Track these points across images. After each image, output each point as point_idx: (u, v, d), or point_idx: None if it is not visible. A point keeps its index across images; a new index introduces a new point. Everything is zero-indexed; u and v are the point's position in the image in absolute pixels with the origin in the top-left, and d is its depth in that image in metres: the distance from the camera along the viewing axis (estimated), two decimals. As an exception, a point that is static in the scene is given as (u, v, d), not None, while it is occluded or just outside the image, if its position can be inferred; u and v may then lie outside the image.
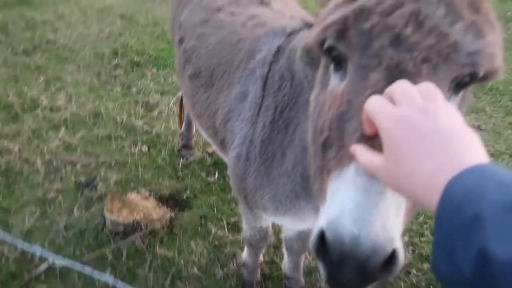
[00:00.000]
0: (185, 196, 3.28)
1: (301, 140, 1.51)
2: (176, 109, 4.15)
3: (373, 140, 0.81)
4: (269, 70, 1.70)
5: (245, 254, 2.59)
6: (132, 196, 3.08)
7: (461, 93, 0.95)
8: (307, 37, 1.39)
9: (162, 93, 4.48)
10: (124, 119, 4.02)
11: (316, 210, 1.66)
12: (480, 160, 0.68)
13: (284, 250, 2.58)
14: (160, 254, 2.79)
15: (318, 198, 1.01)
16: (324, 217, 0.81)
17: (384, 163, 0.75)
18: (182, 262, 2.76)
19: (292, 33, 1.72)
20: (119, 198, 3.02)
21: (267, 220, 2.03)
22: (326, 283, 0.82)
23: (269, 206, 1.78)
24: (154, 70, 4.86)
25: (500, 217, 0.58)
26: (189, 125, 3.56)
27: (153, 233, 2.91)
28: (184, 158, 3.61)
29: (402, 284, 2.66)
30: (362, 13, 0.88)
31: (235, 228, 3.04)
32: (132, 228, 2.86)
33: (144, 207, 3.00)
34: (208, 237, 2.94)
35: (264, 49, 1.78)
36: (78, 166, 3.44)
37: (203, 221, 3.07)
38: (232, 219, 3.09)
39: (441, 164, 0.68)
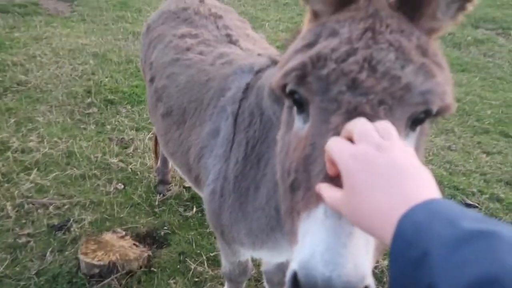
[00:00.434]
0: (162, 233, 3.23)
1: (273, 175, 1.55)
2: (151, 144, 4.14)
3: (336, 180, 0.85)
4: (239, 107, 1.75)
5: (225, 290, 2.56)
6: (108, 236, 3.01)
7: (418, 129, 1.02)
8: (273, 75, 1.46)
9: (137, 130, 4.47)
10: (99, 157, 3.97)
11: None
12: (431, 196, 0.72)
13: (265, 284, 2.56)
14: (138, 295, 2.71)
15: (290, 238, 1.03)
16: (296, 259, 0.83)
17: (345, 197, 0.79)
18: (161, 302, 2.69)
19: (259, 71, 1.79)
20: (94, 239, 2.95)
21: (245, 254, 2.03)
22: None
23: (245, 241, 1.79)
24: (129, 107, 4.86)
25: (445, 254, 0.61)
26: (165, 160, 3.55)
27: (130, 273, 2.84)
28: (161, 194, 3.58)
29: (383, 310, 2.66)
30: (319, 60, 0.94)
31: (215, 262, 3.00)
32: (108, 269, 2.79)
33: (120, 247, 2.94)
34: (187, 274, 2.89)
35: (233, 87, 1.84)
36: (50, 209, 3.36)
37: (182, 257, 3.03)
38: (212, 254, 3.06)
39: (394, 200, 0.72)
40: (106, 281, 2.74)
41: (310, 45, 1.00)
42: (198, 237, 3.21)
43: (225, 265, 2.26)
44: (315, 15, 1.10)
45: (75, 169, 3.80)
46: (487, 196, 3.76)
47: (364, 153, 0.79)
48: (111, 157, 3.98)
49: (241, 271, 2.24)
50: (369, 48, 0.93)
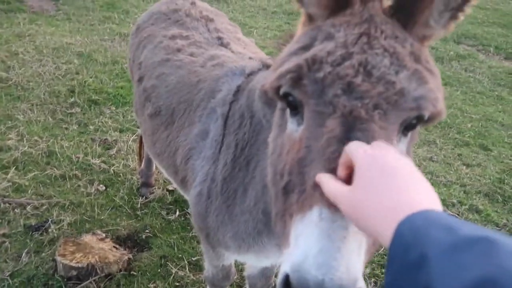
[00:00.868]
0: (144, 236, 3.17)
1: (262, 177, 1.54)
2: (136, 146, 4.08)
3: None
4: (230, 109, 1.74)
5: (207, 295, 2.52)
6: (87, 238, 2.94)
7: (409, 134, 1.03)
8: (265, 78, 1.46)
9: (121, 131, 4.40)
10: (80, 158, 3.89)
11: (279, 246, 1.67)
12: (432, 204, 0.75)
13: (247, 289, 2.53)
14: (117, 300, 2.65)
15: (281, 240, 1.03)
16: (289, 262, 0.83)
17: (351, 192, 0.80)
18: (140, 306, 2.63)
19: (251, 74, 1.79)
20: (73, 241, 2.87)
21: (230, 258, 2.01)
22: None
23: (231, 244, 1.77)
24: (113, 108, 4.79)
25: (443, 257, 0.63)
26: (149, 162, 3.50)
27: (109, 276, 2.78)
28: (144, 197, 3.53)
29: (365, 318, 2.67)
30: (315, 63, 0.95)
31: (197, 267, 2.96)
32: (87, 272, 2.72)
33: (100, 249, 2.87)
34: (168, 278, 2.84)
35: (224, 89, 1.83)
36: (28, 209, 3.26)
37: (163, 261, 2.98)
38: (194, 258, 3.02)
39: (399, 203, 0.74)
40: (84, 283, 2.67)
41: (305, 48, 1.01)
42: (180, 241, 3.17)
43: (208, 269, 2.23)
44: (310, 18, 1.11)
45: (55, 169, 3.71)
46: (467, 207, 3.84)
47: (382, 155, 0.82)
48: (93, 158, 3.91)
49: (224, 276, 2.22)
50: (365, 53, 0.94)
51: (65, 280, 2.70)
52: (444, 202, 3.88)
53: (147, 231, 3.22)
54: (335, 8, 1.05)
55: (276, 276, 2.67)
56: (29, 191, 3.42)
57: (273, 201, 1.11)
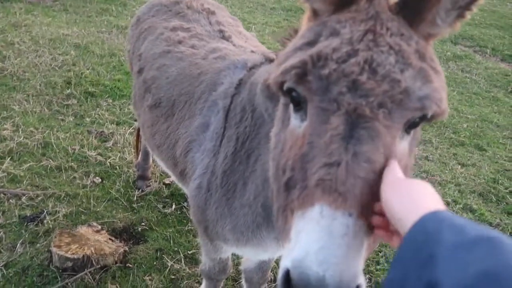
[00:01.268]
0: (140, 229, 3.16)
1: (262, 171, 1.54)
2: (132, 139, 4.06)
3: (336, 181, 0.87)
4: (231, 102, 1.74)
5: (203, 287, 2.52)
6: (83, 229, 2.93)
7: (412, 132, 1.03)
8: (267, 72, 1.45)
9: (118, 124, 4.38)
10: (76, 149, 3.86)
11: (278, 240, 1.67)
12: (438, 206, 0.81)
13: (243, 282, 2.54)
14: (112, 291, 2.64)
15: (281, 235, 1.03)
16: (290, 257, 0.84)
17: (404, 179, 0.90)
18: (136, 299, 2.63)
19: (253, 67, 1.79)
20: (68, 232, 2.86)
21: (228, 251, 2.01)
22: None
23: (230, 237, 1.77)
24: (110, 100, 4.76)
25: (451, 254, 0.67)
26: (146, 155, 3.49)
27: (104, 268, 2.77)
28: (140, 190, 3.52)
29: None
30: (320, 59, 0.94)
31: (193, 260, 2.96)
32: (82, 263, 2.71)
33: (96, 241, 2.86)
34: (164, 271, 2.84)
35: (225, 81, 1.83)
36: (23, 199, 3.24)
37: (158, 254, 2.97)
38: (190, 252, 3.02)
39: (415, 204, 0.81)
40: (79, 275, 2.65)
41: (310, 43, 1.00)
42: (176, 234, 3.16)
43: (205, 262, 2.23)
44: (315, 13, 1.10)
45: (50, 160, 3.69)
46: (461, 206, 3.87)
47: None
48: (89, 150, 3.88)
49: (221, 269, 2.22)
50: (370, 50, 0.94)
51: (60, 271, 2.68)
52: (438, 200, 3.90)
53: (143, 224, 3.21)
54: (340, 3, 1.04)
55: (272, 270, 2.68)
56: (25, 182, 3.40)
57: (275, 196, 1.11)
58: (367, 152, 0.89)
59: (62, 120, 4.31)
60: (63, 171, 3.59)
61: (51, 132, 4.03)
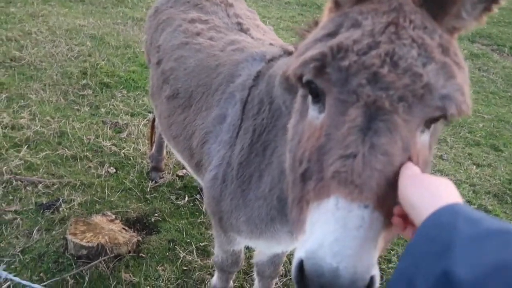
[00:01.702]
0: (153, 220, 3.20)
1: (278, 163, 1.54)
2: (146, 130, 4.09)
3: (352, 173, 0.87)
4: (249, 94, 1.74)
5: (215, 279, 2.54)
6: (97, 218, 2.97)
7: (432, 126, 1.01)
8: (286, 64, 1.44)
9: (132, 115, 4.41)
10: (91, 139, 3.91)
11: (291, 233, 1.67)
12: (455, 199, 0.81)
13: (255, 275, 2.55)
14: (125, 280, 2.68)
15: (295, 226, 1.03)
16: (304, 248, 0.84)
17: (421, 173, 0.90)
18: (148, 288, 2.67)
19: (272, 59, 1.78)
20: (83, 221, 2.90)
21: (241, 243, 2.02)
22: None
23: (244, 228, 1.78)
24: (124, 91, 4.80)
25: (467, 244, 0.68)
26: (160, 147, 3.51)
27: (118, 257, 2.80)
28: (153, 181, 3.54)
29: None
30: (340, 51, 0.93)
31: (205, 252, 2.98)
32: (96, 252, 2.75)
33: (110, 230, 2.90)
34: (176, 262, 2.87)
35: (243, 73, 1.82)
36: (39, 187, 3.29)
37: (171, 245, 3.00)
38: (202, 244, 3.04)
39: (434, 197, 0.81)
40: (93, 263, 2.69)
41: (331, 35, 0.99)
42: (189, 226, 3.19)
43: (218, 254, 2.25)
44: (337, 4, 1.09)
45: (66, 149, 3.74)
46: (475, 207, 3.82)
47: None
48: (104, 140, 3.93)
49: (233, 261, 2.23)
50: (392, 43, 0.92)
51: (75, 258, 2.73)
52: (452, 200, 3.86)
53: (156, 214, 3.24)
54: None
55: (283, 265, 2.68)
56: (41, 170, 3.45)
57: (290, 187, 1.11)
58: (384, 145, 0.88)
59: (78, 110, 4.36)
60: (78, 160, 3.64)
61: (67, 122, 4.08)
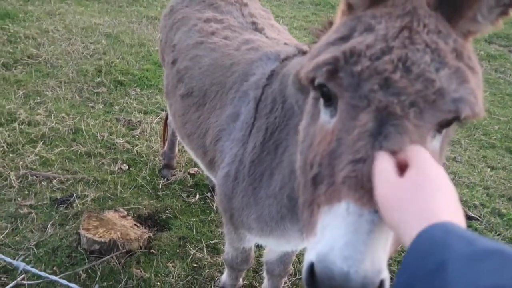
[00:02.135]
0: (164, 217, 3.23)
1: (289, 162, 1.54)
2: (159, 128, 4.13)
3: (362, 178, 0.87)
4: (262, 93, 1.74)
5: (224, 277, 2.56)
6: (110, 214, 3.01)
7: (444, 131, 1.01)
8: (300, 64, 1.45)
9: (145, 113, 4.46)
10: (105, 136, 3.96)
11: (301, 232, 1.68)
12: (452, 215, 0.78)
13: (264, 274, 2.56)
14: (136, 275, 2.71)
15: (306, 228, 1.03)
16: (314, 251, 0.85)
17: (398, 182, 0.83)
18: (158, 283, 2.69)
19: (286, 59, 1.78)
20: (96, 216, 2.94)
21: (251, 240, 2.03)
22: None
23: (254, 226, 1.79)
24: (138, 89, 4.85)
25: (461, 267, 0.66)
26: (172, 145, 3.55)
27: (129, 253, 2.84)
28: (165, 178, 3.58)
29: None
30: (352, 55, 0.93)
31: (215, 250, 3.00)
32: (108, 247, 2.79)
33: (122, 226, 2.94)
34: (186, 259, 2.89)
35: (257, 72, 1.83)
36: (54, 182, 3.35)
37: (182, 242, 3.03)
38: (212, 241, 3.06)
39: (432, 210, 0.77)
40: (105, 258, 2.73)
41: (344, 38, 0.98)
42: (199, 223, 3.21)
43: (228, 251, 2.26)
44: (350, 7, 1.08)
45: (80, 146, 3.79)
46: (489, 210, 3.77)
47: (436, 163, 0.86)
48: (117, 138, 3.98)
49: (243, 259, 2.24)
50: (405, 48, 0.91)
51: (88, 253, 2.77)
52: (465, 203, 3.82)
53: (167, 212, 3.27)
54: None
55: (293, 264, 2.69)
56: (56, 166, 3.51)
57: (301, 190, 1.11)
58: (394, 149, 0.88)
59: (92, 107, 4.42)
60: (92, 156, 3.69)
61: (82, 119, 4.15)
